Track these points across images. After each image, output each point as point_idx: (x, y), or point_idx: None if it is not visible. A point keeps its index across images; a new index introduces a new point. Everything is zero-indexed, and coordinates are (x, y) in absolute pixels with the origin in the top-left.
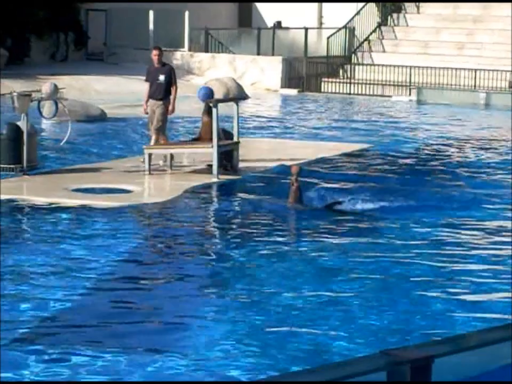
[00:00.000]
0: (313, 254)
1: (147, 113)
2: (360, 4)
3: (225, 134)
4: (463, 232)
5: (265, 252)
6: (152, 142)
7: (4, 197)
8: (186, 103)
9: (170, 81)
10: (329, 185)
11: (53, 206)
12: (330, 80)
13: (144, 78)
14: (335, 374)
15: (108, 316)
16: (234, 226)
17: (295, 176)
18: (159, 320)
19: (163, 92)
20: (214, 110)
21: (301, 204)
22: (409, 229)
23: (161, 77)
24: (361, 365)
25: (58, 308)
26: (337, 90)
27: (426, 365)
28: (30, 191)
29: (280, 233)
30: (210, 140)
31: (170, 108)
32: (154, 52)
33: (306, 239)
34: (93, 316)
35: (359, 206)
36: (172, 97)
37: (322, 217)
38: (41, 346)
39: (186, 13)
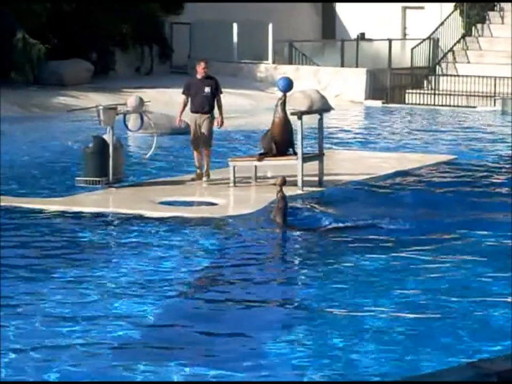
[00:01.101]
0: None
1: (181, 127)
2: (444, 15)
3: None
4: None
5: (350, 269)
6: (206, 157)
7: (90, 209)
8: (270, 115)
9: (215, 94)
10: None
11: (139, 218)
12: (414, 91)
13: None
14: None
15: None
16: (316, 239)
17: (279, 188)
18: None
19: (209, 104)
20: (298, 122)
21: (282, 219)
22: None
23: (207, 89)
24: (449, 376)
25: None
26: (421, 102)
27: None
28: (116, 203)
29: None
30: (283, 142)
31: (220, 119)
32: (203, 65)
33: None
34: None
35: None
36: (219, 108)
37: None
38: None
39: (270, 25)
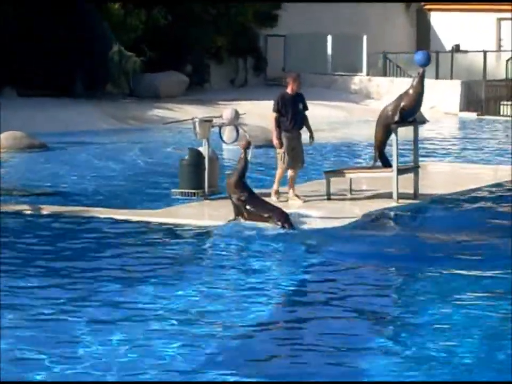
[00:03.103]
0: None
1: (281, 146)
2: None
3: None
4: None
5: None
6: (292, 178)
7: (185, 221)
8: (367, 127)
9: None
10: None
11: (233, 230)
12: (509, 103)
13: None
14: None
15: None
16: (413, 251)
17: (242, 151)
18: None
19: (302, 121)
20: (394, 137)
21: (237, 177)
22: None
23: (301, 106)
24: None
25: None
26: None
27: None
28: (211, 216)
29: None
30: None
31: (311, 137)
32: (299, 80)
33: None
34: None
35: None
36: (309, 125)
37: None
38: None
39: (364, 37)
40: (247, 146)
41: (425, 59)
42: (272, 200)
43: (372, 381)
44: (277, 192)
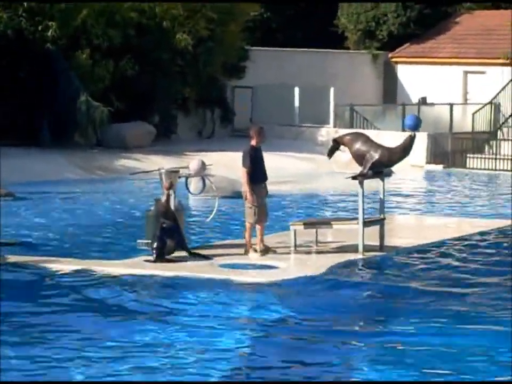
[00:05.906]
0: None
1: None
2: (506, 79)
3: None
4: None
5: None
6: (262, 231)
7: (150, 272)
8: (334, 179)
9: None
10: None
11: (199, 281)
12: (475, 156)
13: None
14: None
15: None
16: (377, 305)
17: (167, 192)
18: None
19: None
20: (360, 189)
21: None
22: None
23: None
24: None
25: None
26: (482, 166)
27: None
28: (176, 266)
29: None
30: None
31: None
32: (263, 133)
33: None
34: None
35: None
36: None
37: None
38: None
39: (332, 89)
40: (169, 187)
41: (416, 123)
42: (256, 256)
43: (372, 381)
44: (251, 247)
